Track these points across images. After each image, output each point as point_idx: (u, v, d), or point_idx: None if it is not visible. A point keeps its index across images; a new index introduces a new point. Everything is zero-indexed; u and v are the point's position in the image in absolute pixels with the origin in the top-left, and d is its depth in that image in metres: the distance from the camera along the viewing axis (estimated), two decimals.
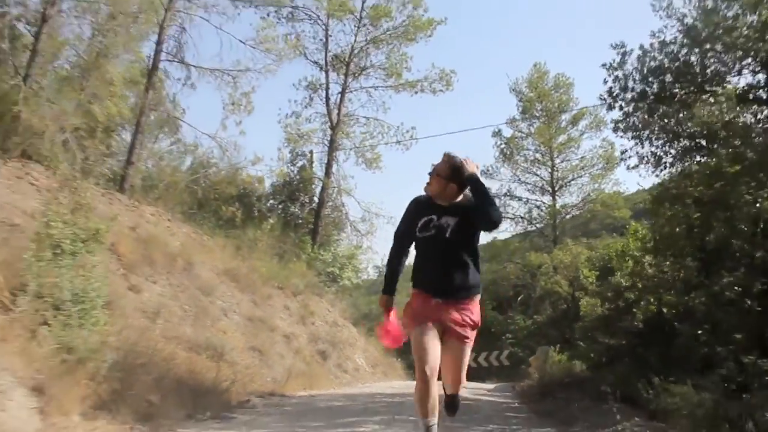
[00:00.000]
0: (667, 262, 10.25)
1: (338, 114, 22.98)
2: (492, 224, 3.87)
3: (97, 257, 7.80)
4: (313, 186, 22.85)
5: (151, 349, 7.42)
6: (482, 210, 3.75)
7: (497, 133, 31.75)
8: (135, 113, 15.00)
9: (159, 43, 15.49)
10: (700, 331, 8.63)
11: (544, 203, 32.31)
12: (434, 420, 3.66)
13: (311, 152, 23.45)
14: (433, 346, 3.69)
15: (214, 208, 17.83)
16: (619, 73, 10.70)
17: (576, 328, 14.99)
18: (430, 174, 3.90)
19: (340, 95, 23.39)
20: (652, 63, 10.41)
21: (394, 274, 4.11)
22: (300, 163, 23.24)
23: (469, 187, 3.80)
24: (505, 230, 32.31)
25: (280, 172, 22.51)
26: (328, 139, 23.08)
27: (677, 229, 9.61)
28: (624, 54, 10.69)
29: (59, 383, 5.12)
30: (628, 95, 10.65)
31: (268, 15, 21.11)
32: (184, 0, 16.08)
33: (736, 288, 8.41)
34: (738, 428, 5.59)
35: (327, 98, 23.33)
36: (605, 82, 10.85)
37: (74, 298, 6.63)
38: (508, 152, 31.98)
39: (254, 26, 26.31)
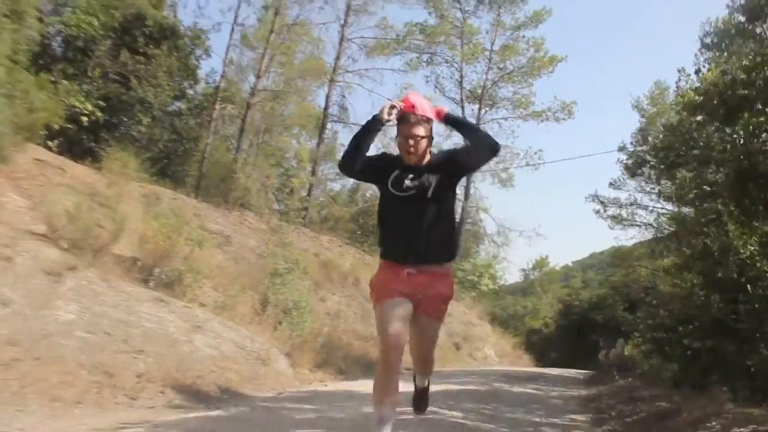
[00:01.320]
0: None
1: None
2: (495, 147, 3.51)
3: (299, 278, 12.36)
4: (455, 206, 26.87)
5: (338, 338, 11.84)
6: (477, 139, 3.52)
7: (622, 148, 33.99)
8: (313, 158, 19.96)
9: (326, 108, 20.31)
10: None
11: (668, 211, 34.04)
12: (389, 412, 3.38)
13: None
14: (401, 325, 3.27)
15: (373, 231, 22.51)
16: None
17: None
18: (405, 122, 3.36)
19: None
20: None
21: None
22: None
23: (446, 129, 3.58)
24: (633, 237, 34.39)
25: None
26: None
27: None
28: None
29: (297, 352, 9.58)
30: None
31: (411, 60, 25.61)
32: (344, 72, 20.81)
33: None
34: None
35: None
36: None
37: (294, 306, 11.15)
38: (634, 166, 34.05)
39: (398, 85, 30.64)
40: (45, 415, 4.83)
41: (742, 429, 4.89)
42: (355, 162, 3.45)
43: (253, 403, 6.44)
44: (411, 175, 3.37)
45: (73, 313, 6.70)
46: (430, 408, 4.24)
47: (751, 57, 8.89)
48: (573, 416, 7.32)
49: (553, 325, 31.30)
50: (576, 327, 26.65)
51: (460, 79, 27.05)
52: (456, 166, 3.50)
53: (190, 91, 18.89)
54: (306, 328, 10.81)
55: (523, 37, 26.58)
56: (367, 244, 20.97)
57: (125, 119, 15.75)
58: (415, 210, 3.37)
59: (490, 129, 28.00)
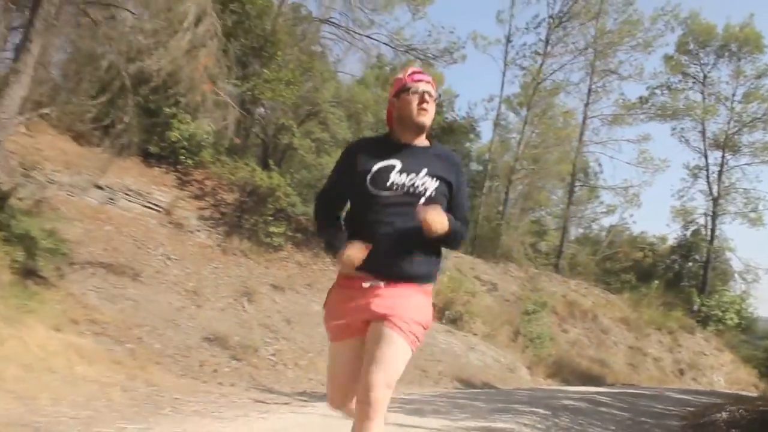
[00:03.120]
0: None
1: (718, 188, 29.25)
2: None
3: (546, 315, 17.49)
4: (702, 246, 29.44)
5: (570, 359, 16.75)
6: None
7: None
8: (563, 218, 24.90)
9: (573, 174, 25.10)
10: None
11: None
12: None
13: (701, 221, 30.13)
14: (350, 382, 2.63)
15: (616, 270, 26.52)
16: None
17: None
18: (404, 92, 2.71)
19: (718, 173, 29.61)
20: None
21: (331, 223, 2.78)
22: (691, 229, 30.13)
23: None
24: None
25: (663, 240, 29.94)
26: (711, 208, 29.48)
27: None
28: None
29: (535, 366, 14.81)
30: None
31: (657, 111, 29.10)
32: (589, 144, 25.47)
33: None
34: None
35: (707, 177, 29.77)
36: None
37: (537, 336, 16.32)
38: None
39: (635, 149, 33.55)
40: (400, 385, 10.77)
41: None
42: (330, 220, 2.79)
43: (500, 389, 11.89)
44: (399, 166, 2.61)
45: None
46: None
47: None
48: None
49: None
50: None
51: (702, 130, 29.62)
52: (449, 193, 2.70)
53: (464, 168, 25.21)
54: (545, 351, 15.92)
55: (765, 84, 28.39)
56: (609, 284, 25.16)
57: None
58: (401, 217, 2.54)
59: (734, 174, 29.96)
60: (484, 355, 13.93)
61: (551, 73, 25.29)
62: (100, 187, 11.91)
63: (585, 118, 25.53)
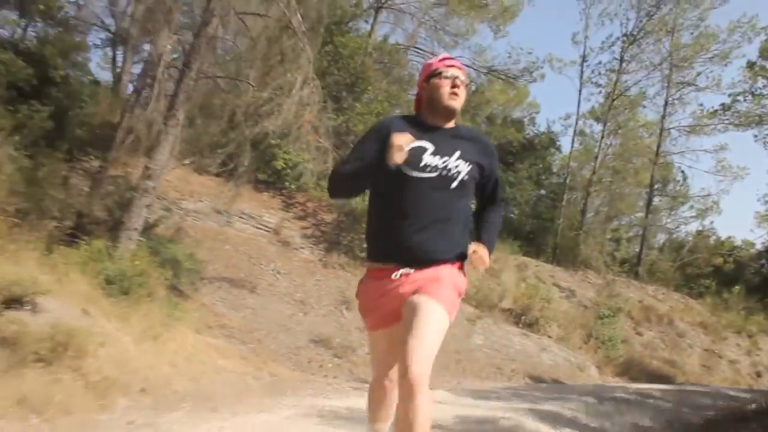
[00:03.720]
0: None
1: None
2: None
3: (619, 319, 18.87)
4: None
5: (640, 359, 18.07)
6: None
7: None
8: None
9: (651, 184, 26.09)
10: None
11: None
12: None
13: None
14: (392, 360, 2.66)
15: (696, 275, 27.21)
16: None
17: None
18: (434, 77, 2.78)
19: None
20: None
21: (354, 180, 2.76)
22: None
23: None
24: None
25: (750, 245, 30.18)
26: None
27: None
28: None
29: (603, 366, 16.32)
30: None
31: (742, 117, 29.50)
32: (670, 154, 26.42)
33: None
34: None
35: None
36: None
37: (609, 339, 17.75)
38: None
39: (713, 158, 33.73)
40: (476, 380, 12.67)
41: None
42: (354, 190, 2.87)
43: (564, 384, 13.58)
44: (431, 148, 2.65)
45: (480, 340, 14.69)
46: None
47: None
48: None
49: None
50: None
51: None
52: (480, 176, 2.79)
53: (546, 180, 26.77)
54: (616, 353, 17.35)
55: None
56: (690, 289, 25.95)
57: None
58: (433, 200, 2.60)
59: None
60: (555, 355, 15.61)
61: (626, 90, 26.48)
62: (219, 212, 14.54)
63: (662, 130, 26.46)
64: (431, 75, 2.78)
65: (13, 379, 4.52)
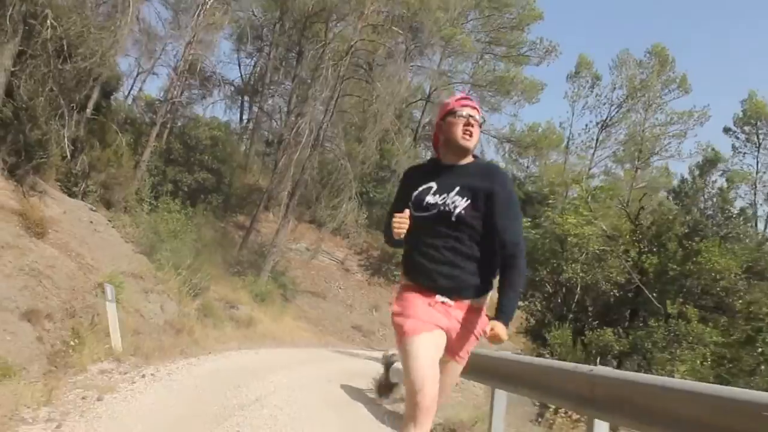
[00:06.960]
0: None
1: None
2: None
3: None
4: None
5: None
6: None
7: None
8: None
9: None
10: None
11: None
12: None
13: None
14: (436, 373, 2.67)
15: None
16: None
17: None
18: (450, 116, 2.90)
19: None
20: None
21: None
22: None
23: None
24: None
25: None
26: None
27: None
28: None
29: None
30: None
31: None
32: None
33: None
34: None
35: None
36: None
37: None
38: None
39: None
40: None
41: None
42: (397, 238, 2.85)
43: None
44: (434, 186, 2.82)
45: None
46: None
47: None
48: None
49: None
50: None
51: None
52: (486, 210, 2.77)
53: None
54: None
55: None
56: None
57: None
58: (441, 236, 2.76)
59: None
60: None
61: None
62: (308, 249, 25.13)
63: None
64: (447, 114, 2.90)
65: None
